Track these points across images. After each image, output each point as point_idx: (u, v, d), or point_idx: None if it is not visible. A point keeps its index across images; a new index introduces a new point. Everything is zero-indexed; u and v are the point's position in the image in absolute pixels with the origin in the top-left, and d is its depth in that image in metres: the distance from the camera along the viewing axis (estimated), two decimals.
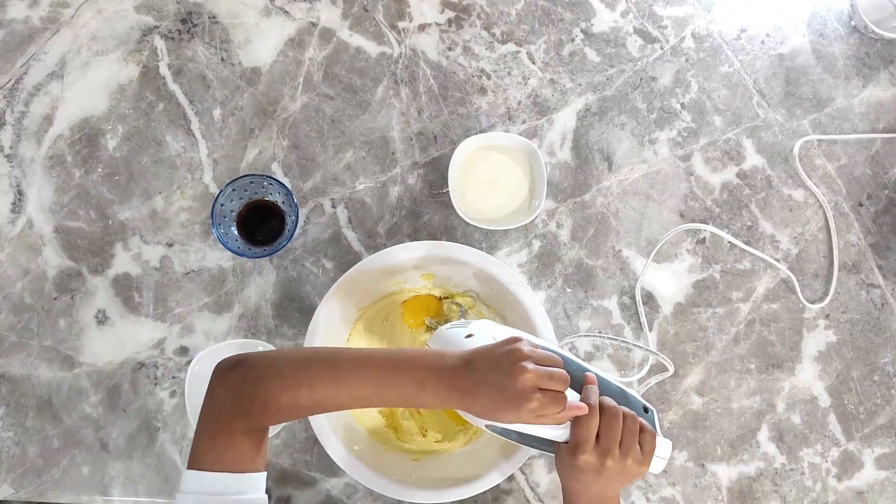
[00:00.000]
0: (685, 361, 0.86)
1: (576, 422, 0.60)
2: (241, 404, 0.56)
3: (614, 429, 0.60)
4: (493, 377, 0.57)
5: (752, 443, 0.85)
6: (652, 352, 0.74)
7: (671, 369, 0.76)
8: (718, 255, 0.88)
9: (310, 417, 0.74)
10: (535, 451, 0.70)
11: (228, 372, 0.59)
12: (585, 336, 0.81)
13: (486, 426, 0.62)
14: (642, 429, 0.61)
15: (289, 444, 0.83)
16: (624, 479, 0.61)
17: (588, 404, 0.60)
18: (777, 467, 0.85)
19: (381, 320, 0.83)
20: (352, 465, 0.74)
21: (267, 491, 0.82)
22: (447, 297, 0.83)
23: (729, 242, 0.87)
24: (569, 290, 0.86)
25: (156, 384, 0.84)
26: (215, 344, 0.82)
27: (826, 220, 0.89)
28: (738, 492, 0.85)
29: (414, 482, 0.74)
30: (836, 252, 0.88)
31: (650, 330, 0.86)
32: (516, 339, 0.60)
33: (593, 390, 0.62)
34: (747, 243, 0.87)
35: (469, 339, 0.64)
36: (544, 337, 0.75)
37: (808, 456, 0.85)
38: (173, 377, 0.84)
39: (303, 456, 0.83)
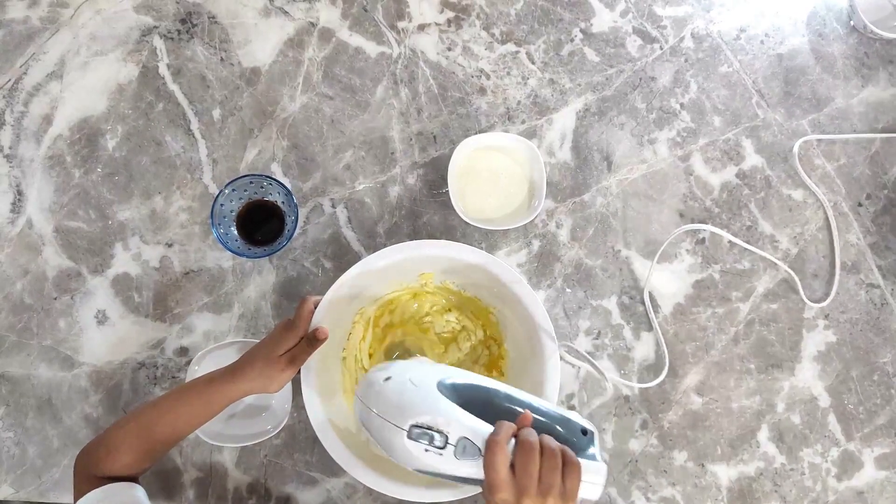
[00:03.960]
0: (685, 361, 0.86)
1: (485, 460, 0.57)
2: (83, 472, 0.70)
3: (529, 465, 0.56)
4: (254, 350, 0.72)
5: (751, 443, 0.85)
6: (591, 361, 0.76)
7: (609, 388, 0.78)
8: (718, 255, 0.88)
9: (310, 417, 0.74)
10: None
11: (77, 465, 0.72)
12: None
13: (415, 469, 0.61)
14: (565, 462, 0.57)
15: (289, 444, 0.83)
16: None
17: (493, 440, 0.57)
18: (777, 467, 0.85)
19: (380, 321, 0.83)
20: (352, 464, 0.74)
21: (267, 491, 0.83)
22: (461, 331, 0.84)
23: (729, 242, 0.88)
24: (568, 290, 0.86)
25: (155, 384, 0.84)
26: (215, 344, 0.82)
27: (826, 219, 0.89)
28: (738, 492, 0.85)
29: (414, 481, 0.74)
30: (837, 251, 0.88)
31: (651, 331, 0.86)
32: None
33: (505, 426, 0.59)
34: (747, 243, 0.87)
35: (386, 382, 0.64)
36: (544, 334, 0.75)
37: (807, 456, 0.85)
38: (173, 377, 0.84)
39: (303, 456, 0.83)
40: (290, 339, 0.71)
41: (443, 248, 0.76)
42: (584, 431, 0.63)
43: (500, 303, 0.80)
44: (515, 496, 0.56)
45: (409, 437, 0.59)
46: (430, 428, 0.59)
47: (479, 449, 0.58)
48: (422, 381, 0.64)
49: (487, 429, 0.59)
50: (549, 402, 0.66)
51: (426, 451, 0.59)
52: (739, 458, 0.85)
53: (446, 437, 0.59)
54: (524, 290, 0.76)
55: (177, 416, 0.70)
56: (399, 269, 0.78)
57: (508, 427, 0.59)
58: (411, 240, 0.83)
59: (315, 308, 0.74)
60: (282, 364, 0.70)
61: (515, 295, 0.76)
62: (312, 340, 0.71)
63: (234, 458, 0.83)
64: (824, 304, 0.87)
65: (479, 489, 0.62)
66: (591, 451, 0.62)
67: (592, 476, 0.58)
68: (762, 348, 0.87)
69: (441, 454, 0.59)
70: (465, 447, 0.59)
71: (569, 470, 0.57)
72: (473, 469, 0.59)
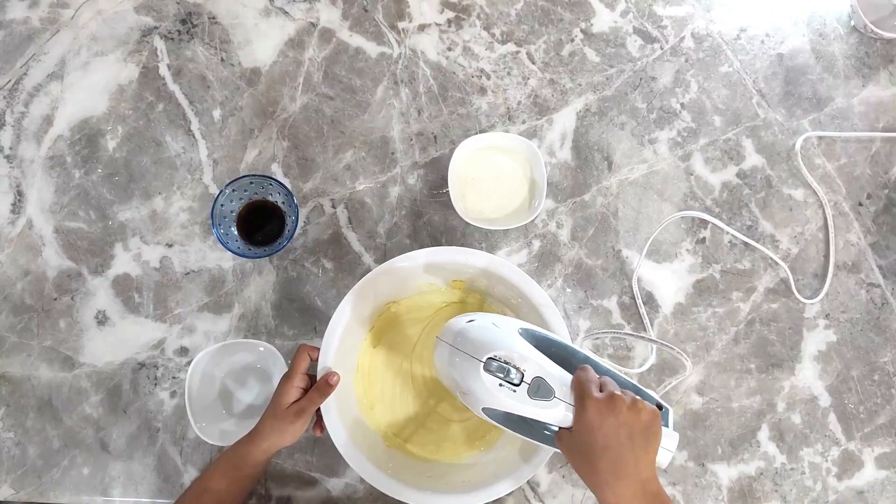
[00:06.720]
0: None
1: (576, 375, 0.61)
2: None
3: (609, 380, 0.60)
4: (266, 408, 0.72)
5: (752, 442, 0.85)
6: (668, 346, 0.73)
7: (689, 367, 0.76)
8: (718, 255, 0.88)
9: (334, 441, 0.72)
10: (545, 461, 0.71)
11: None
12: (607, 333, 0.83)
13: (484, 409, 0.61)
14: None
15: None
16: (637, 424, 0.57)
17: (582, 366, 0.61)
18: (777, 467, 0.85)
19: (392, 330, 0.81)
20: (365, 467, 0.72)
21: (267, 491, 0.83)
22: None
23: (729, 242, 0.88)
24: (569, 289, 0.86)
25: (156, 384, 0.84)
26: (215, 344, 0.82)
27: (825, 218, 0.89)
28: (739, 491, 0.85)
29: (425, 486, 0.72)
30: (832, 247, 0.88)
31: (651, 327, 0.86)
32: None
33: (590, 367, 0.63)
34: (746, 243, 0.87)
35: (469, 323, 0.65)
36: (556, 331, 0.73)
37: (808, 455, 0.85)
38: (173, 377, 0.84)
39: (303, 456, 0.83)
40: (290, 391, 0.70)
41: (461, 254, 0.74)
42: (660, 406, 0.64)
43: (513, 304, 0.78)
44: (607, 398, 0.58)
45: (486, 368, 0.60)
46: (506, 362, 0.60)
47: (553, 390, 0.60)
48: (504, 324, 0.65)
49: (563, 374, 0.61)
50: (626, 376, 0.67)
51: (500, 385, 0.60)
52: (740, 457, 0.85)
53: (522, 374, 0.60)
54: (534, 288, 0.74)
55: (218, 485, 0.70)
56: (411, 276, 0.77)
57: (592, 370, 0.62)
58: (412, 240, 0.83)
59: (312, 358, 0.72)
60: (290, 417, 0.69)
61: (525, 294, 0.74)
62: (324, 387, 0.70)
63: None
64: (816, 300, 0.87)
65: (541, 445, 0.63)
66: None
67: (666, 441, 0.60)
68: (763, 348, 0.87)
69: (515, 391, 0.60)
70: (539, 386, 0.60)
71: (644, 398, 0.60)
72: (544, 411, 0.60)
